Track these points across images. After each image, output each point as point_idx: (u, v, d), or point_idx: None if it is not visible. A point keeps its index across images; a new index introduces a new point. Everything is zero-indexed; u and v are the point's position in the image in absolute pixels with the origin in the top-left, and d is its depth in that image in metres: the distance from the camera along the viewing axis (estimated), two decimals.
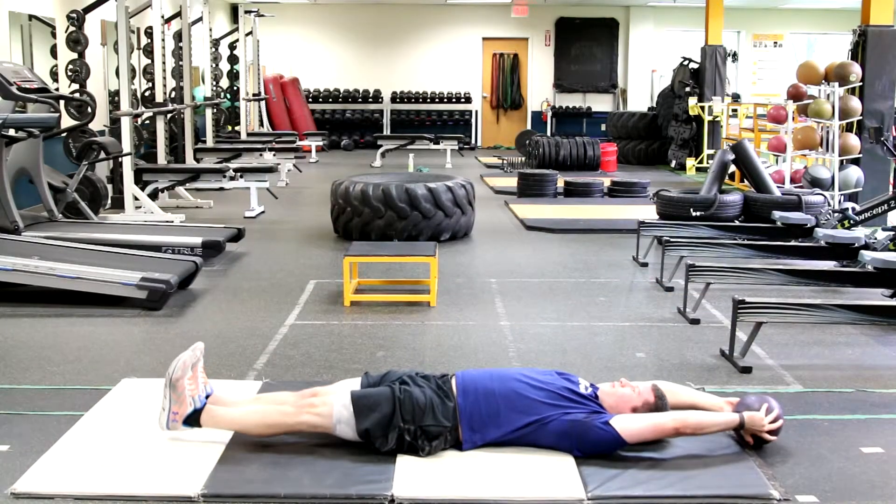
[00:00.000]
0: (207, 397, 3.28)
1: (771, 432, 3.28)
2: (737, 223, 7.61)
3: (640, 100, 18.39)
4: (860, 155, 9.32)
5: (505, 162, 14.00)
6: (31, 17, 9.53)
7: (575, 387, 3.26)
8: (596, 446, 3.14)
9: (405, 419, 3.13)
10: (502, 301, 5.69)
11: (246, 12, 15.13)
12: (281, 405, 3.28)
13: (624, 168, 14.04)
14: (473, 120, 18.61)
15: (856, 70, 9.17)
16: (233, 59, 14.87)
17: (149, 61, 10.61)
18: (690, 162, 13.72)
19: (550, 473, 3.04)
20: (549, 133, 17.76)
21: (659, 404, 3.25)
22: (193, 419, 3.23)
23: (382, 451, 3.16)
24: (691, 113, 13.81)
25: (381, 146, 14.62)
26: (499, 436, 3.19)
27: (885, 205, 7.31)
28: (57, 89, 9.05)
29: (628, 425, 3.15)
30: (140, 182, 8.73)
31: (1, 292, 5.49)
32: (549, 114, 18.49)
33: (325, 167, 14.15)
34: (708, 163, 12.79)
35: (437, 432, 3.15)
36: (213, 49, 13.36)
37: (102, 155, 8.32)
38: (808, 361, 4.53)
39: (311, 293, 5.84)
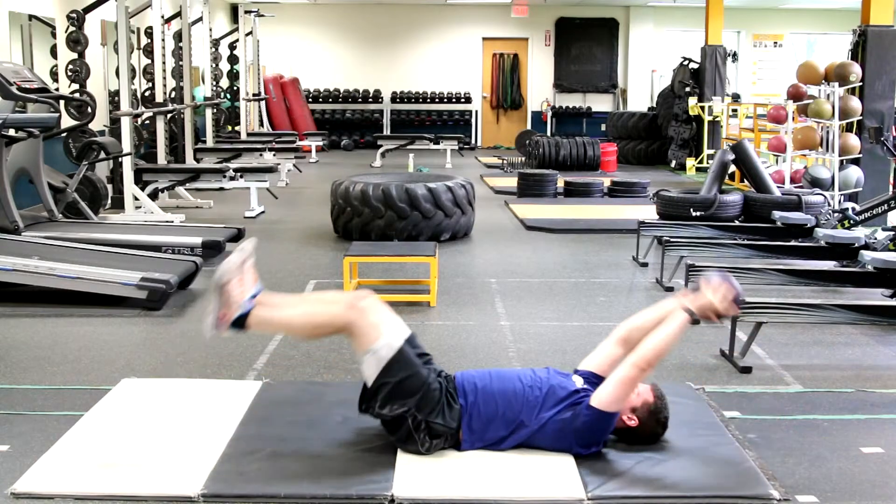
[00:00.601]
0: (254, 298, 3.17)
1: (728, 305, 3.13)
2: (737, 223, 7.61)
3: (640, 100, 18.39)
4: (860, 155, 9.32)
5: (505, 162, 14.00)
6: (31, 17, 9.53)
7: (571, 385, 3.26)
8: (590, 434, 3.13)
9: (418, 406, 3.10)
10: (502, 301, 5.69)
11: (246, 12, 15.13)
12: (331, 304, 3.20)
13: (624, 168, 14.04)
14: (473, 120, 18.61)
15: (856, 70, 9.17)
16: (233, 59, 14.86)
17: (149, 61, 10.61)
18: (690, 162, 13.72)
19: (550, 473, 3.04)
20: (549, 133, 17.76)
21: (658, 404, 3.24)
22: (240, 322, 3.14)
23: (372, 414, 3.12)
24: (691, 113, 13.81)
25: (381, 146, 14.62)
26: (497, 437, 3.19)
27: (885, 205, 7.31)
28: (57, 89, 9.05)
29: (602, 396, 3.12)
30: (140, 182, 8.73)
31: (1, 292, 5.49)
32: (549, 114, 18.49)
33: (325, 167, 14.15)
34: (708, 163, 12.78)
35: (442, 432, 3.14)
36: (213, 49, 13.36)
37: (102, 155, 8.32)
38: (808, 361, 4.53)
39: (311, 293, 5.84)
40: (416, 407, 3.10)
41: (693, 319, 3.13)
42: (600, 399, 3.12)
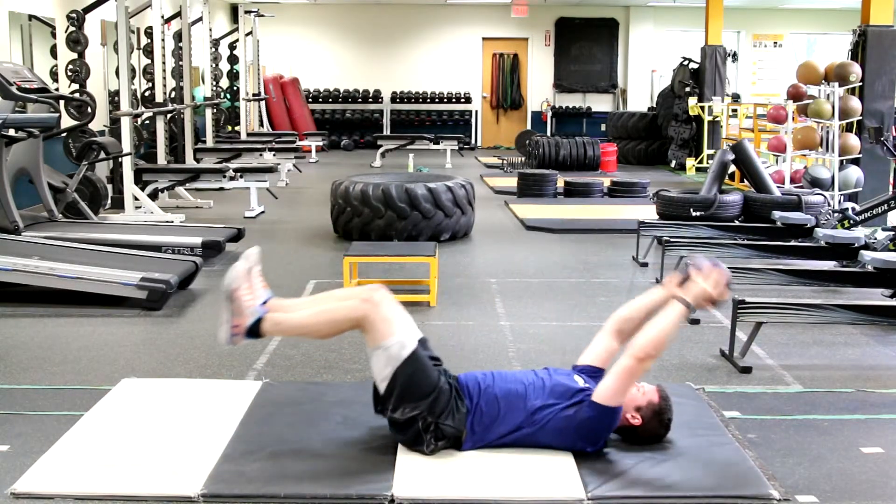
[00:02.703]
0: (265, 303, 3.17)
1: (722, 290, 3.12)
2: (737, 223, 7.61)
3: (640, 100, 18.38)
4: (860, 155, 9.32)
5: (505, 162, 14.00)
6: (31, 17, 9.53)
7: (572, 382, 3.25)
8: (594, 429, 3.13)
9: (430, 409, 3.10)
10: (502, 301, 5.69)
11: (246, 12, 15.13)
12: (343, 300, 3.19)
13: (624, 168, 14.04)
14: (473, 120, 18.61)
15: (856, 70, 9.17)
16: (233, 59, 14.86)
17: (149, 61, 10.61)
18: (690, 162, 13.72)
19: (550, 473, 3.04)
20: (549, 133, 17.76)
21: (663, 405, 3.24)
22: (254, 329, 3.14)
23: (384, 415, 3.13)
24: (691, 113, 13.81)
25: (381, 146, 14.62)
26: (498, 436, 3.19)
27: (885, 205, 7.31)
28: (57, 89, 9.05)
29: (603, 391, 3.11)
30: (140, 182, 8.73)
31: (1, 292, 5.49)
32: (549, 114, 18.49)
33: (325, 167, 14.15)
34: (708, 163, 12.78)
35: (450, 434, 3.14)
36: (213, 49, 13.36)
37: (102, 155, 8.32)
38: (808, 361, 4.53)
39: (312, 293, 5.84)
40: (427, 409, 3.10)
41: (691, 309, 3.12)
42: (602, 393, 3.12)
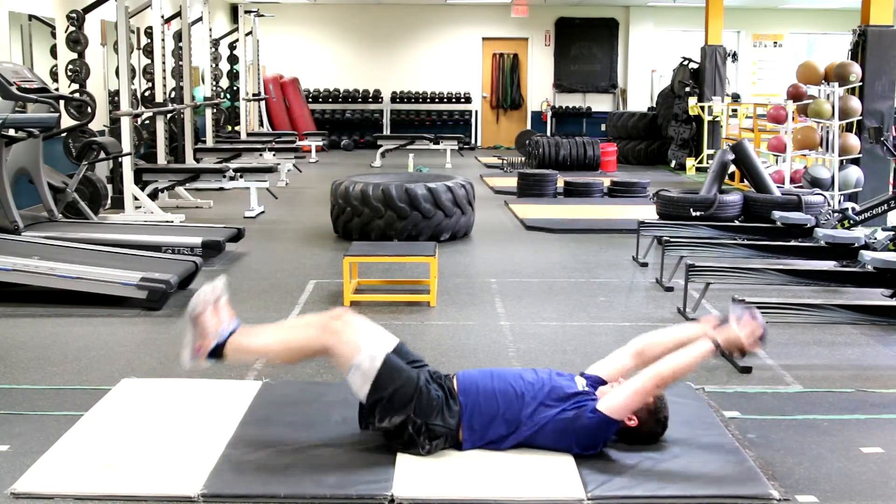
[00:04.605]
0: (232, 333, 3.21)
1: (754, 342, 3.17)
2: (737, 223, 7.61)
3: (640, 100, 18.39)
4: (860, 155, 9.32)
5: (505, 162, 14.00)
6: (31, 17, 9.53)
7: (572, 386, 3.26)
8: (592, 436, 3.14)
9: (416, 412, 3.11)
10: (502, 301, 5.69)
11: (246, 12, 15.13)
12: (306, 328, 3.23)
13: (624, 168, 14.04)
14: (473, 120, 18.61)
15: (856, 70, 9.17)
16: (233, 59, 14.86)
17: (149, 61, 10.61)
18: (690, 162, 13.72)
19: (550, 473, 3.04)
20: (548, 133, 17.75)
21: (658, 404, 3.24)
22: (217, 352, 3.18)
23: (372, 429, 3.14)
24: (691, 113, 13.81)
25: (380, 146, 14.62)
26: (498, 436, 3.19)
27: (885, 205, 7.31)
28: (57, 89, 9.05)
29: (611, 403, 3.13)
30: (140, 182, 8.73)
31: (1, 292, 5.49)
32: (549, 114, 18.49)
33: (325, 167, 14.15)
34: (708, 163, 12.78)
35: (442, 433, 3.15)
36: (213, 49, 13.36)
37: (102, 155, 8.32)
38: (808, 361, 4.53)
39: (311, 293, 5.84)
40: (414, 412, 3.11)
41: (719, 350, 3.18)
42: (610, 405, 3.13)
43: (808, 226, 6.65)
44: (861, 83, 9.22)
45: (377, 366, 3.11)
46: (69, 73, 8.83)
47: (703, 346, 3.17)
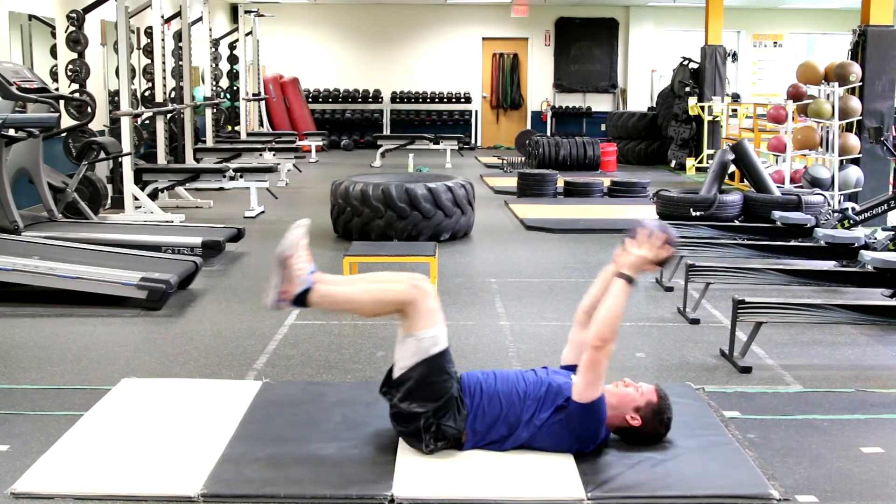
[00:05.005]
0: (311, 274, 3.14)
1: (662, 250, 3.11)
2: (737, 223, 7.62)
3: (640, 100, 18.38)
4: (860, 155, 9.32)
5: (505, 162, 14.00)
6: (31, 17, 9.53)
7: (568, 383, 3.24)
8: (584, 427, 3.13)
9: (435, 412, 3.10)
10: (502, 301, 5.69)
11: (246, 12, 15.13)
12: (392, 283, 3.19)
13: (624, 168, 14.03)
14: (473, 120, 18.61)
15: (856, 70, 9.17)
16: (233, 59, 14.86)
17: (149, 61, 10.61)
18: (690, 162, 13.72)
19: (550, 473, 3.04)
20: (548, 133, 17.75)
21: (662, 405, 3.24)
22: (302, 299, 3.12)
23: (388, 400, 3.14)
24: (691, 113, 13.81)
25: (380, 146, 14.62)
26: (499, 437, 3.19)
27: (885, 205, 7.32)
28: (57, 89, 9.05)
29: (578, 389, 3.11)
30: (140, 182, 8.73)
31: (1, 292, 5.49)
32: (549, 114, 18.49)
33: (325, 167, 14.15)
34: (708, 163, 12.78)
35: (450, 435, 3.14)
36: (213, 49, 13.36)
37: (102, 155, 8.32)
38: (808, 361, 4.53)
39: None
40: (433, 412, 3.11)
41: (630, 282, 3.11)
42: (577, 391, 3.13)
43: (808, 226, 6.65)
44: (861, 83, 9.22)
45: (435, 351, 3.10)
46: (69, 73, 8.83)
47: (617, 287, 3.11)
